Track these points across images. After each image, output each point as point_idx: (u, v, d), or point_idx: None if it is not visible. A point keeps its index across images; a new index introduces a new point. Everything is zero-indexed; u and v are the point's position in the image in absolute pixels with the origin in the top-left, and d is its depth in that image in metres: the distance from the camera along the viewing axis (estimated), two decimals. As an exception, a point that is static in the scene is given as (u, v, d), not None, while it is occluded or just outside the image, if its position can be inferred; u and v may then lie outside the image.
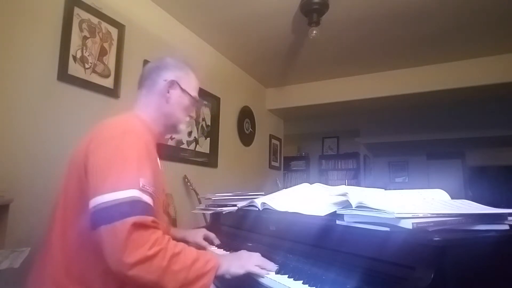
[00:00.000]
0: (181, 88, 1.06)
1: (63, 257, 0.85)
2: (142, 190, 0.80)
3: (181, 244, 0.84)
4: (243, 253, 0.97)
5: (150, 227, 0.77)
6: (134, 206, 0.77)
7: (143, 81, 1.08)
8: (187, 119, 1.11)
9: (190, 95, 1.09)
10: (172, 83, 1.05)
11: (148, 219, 0.78)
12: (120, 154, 0.84)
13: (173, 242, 0.81)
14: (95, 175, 0.81)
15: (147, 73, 1.08)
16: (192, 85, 1.10)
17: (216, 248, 1.29)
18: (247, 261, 0.92)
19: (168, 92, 1.04)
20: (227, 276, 0.87)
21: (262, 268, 0.91)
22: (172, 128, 1.09)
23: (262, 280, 0.89)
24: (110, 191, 0.77)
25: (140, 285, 0.76)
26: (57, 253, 0.86)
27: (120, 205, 0.75)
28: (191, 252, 0.84)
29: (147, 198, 0.80)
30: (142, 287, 0.76)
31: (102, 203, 0.76)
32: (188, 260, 0.80)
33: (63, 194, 0.91)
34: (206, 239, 1.33)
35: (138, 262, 0.72)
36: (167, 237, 0.81)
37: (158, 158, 1.00)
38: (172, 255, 0.78)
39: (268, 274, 0.90)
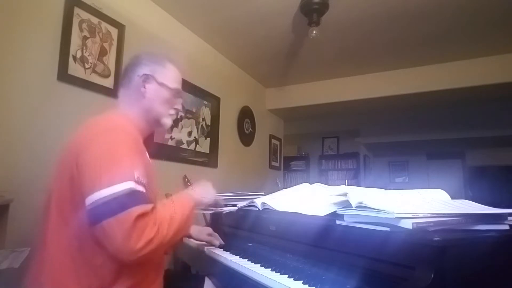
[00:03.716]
0: (157, 82, 1.04)
1: (60, 255, 0.86)
2: (137, 181, 0.82)
3: (167, 206, 0.91)
4: (202, 186, 1.14)
5: (150, 213, 0.81)
6: (133, 197, 0.79)
7: (121, 80, 1.10)
8: (172, 112, 1.09)
9: (169, 87, 1.06)
10: (147, 77, 1.03)
11: (148, 206, 0.81)
12: (111, 149, 0.85)
13: (161, 211, 0.86)
14: (89, 173, 0.82)
15: (124, 72, 1.09)
16: (170, 77, 1.07)
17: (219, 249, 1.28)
18: (210, 191, 1.14)
19: (144, 87, 1.03)
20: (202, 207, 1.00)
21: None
22: (155, 122, 1.07)
23: (261, 280, 0.90)
24: (107, 186, 0.78)
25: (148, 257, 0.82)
26: (53, 252, 0.87)
27: (120, 198, 0.78)
28: (176, 207, 0.92)
29: (142, 189, 0.83)
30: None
31: (101, 198, 0.77)
32: (178, 216, 0.89)
33: (55, 194, 0.92)
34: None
35: (145, 245, 0.77)
36: (155, 210, 0.84)
37: (147, 153, 1.00)
38: (169, 224, 0.85)
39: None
